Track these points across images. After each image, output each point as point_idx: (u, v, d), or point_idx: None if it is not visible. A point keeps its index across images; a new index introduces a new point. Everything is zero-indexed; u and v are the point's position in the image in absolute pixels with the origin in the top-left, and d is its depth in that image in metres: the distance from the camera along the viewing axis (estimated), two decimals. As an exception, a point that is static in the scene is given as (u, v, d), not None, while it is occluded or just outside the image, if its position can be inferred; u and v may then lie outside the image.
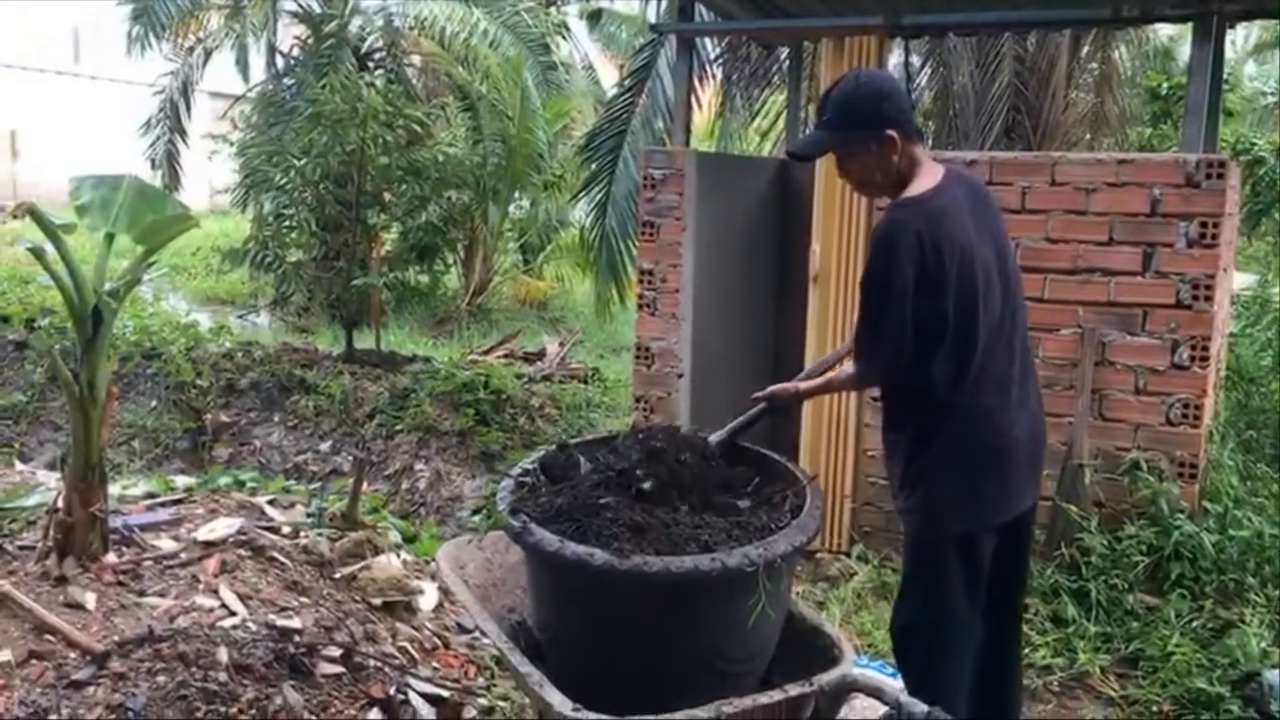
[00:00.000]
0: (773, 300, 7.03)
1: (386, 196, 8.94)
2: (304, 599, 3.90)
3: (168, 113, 14.93)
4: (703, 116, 12.13)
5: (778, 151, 10.85)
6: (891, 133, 2.90)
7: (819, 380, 3.40)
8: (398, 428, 7.64)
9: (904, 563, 3.21)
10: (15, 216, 3.90)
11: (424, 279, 9.88)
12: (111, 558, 3.90)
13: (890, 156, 2.93)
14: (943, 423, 2.99)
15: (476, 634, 4.37)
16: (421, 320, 14.60)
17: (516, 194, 15.31)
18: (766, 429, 6.91)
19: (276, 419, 7.88)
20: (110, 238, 3.85)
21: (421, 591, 4.30)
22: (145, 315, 9.97)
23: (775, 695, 2.71)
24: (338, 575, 4.14)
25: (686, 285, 5.80)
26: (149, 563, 3.93)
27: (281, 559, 4.08)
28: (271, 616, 3.69)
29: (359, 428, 7.71)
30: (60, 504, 3.88)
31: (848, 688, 2.78)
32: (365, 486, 7.56)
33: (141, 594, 3.71)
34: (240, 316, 14.93)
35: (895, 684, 2.71)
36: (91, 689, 3.16)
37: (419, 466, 7.35)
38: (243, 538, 4.16)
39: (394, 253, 9.07)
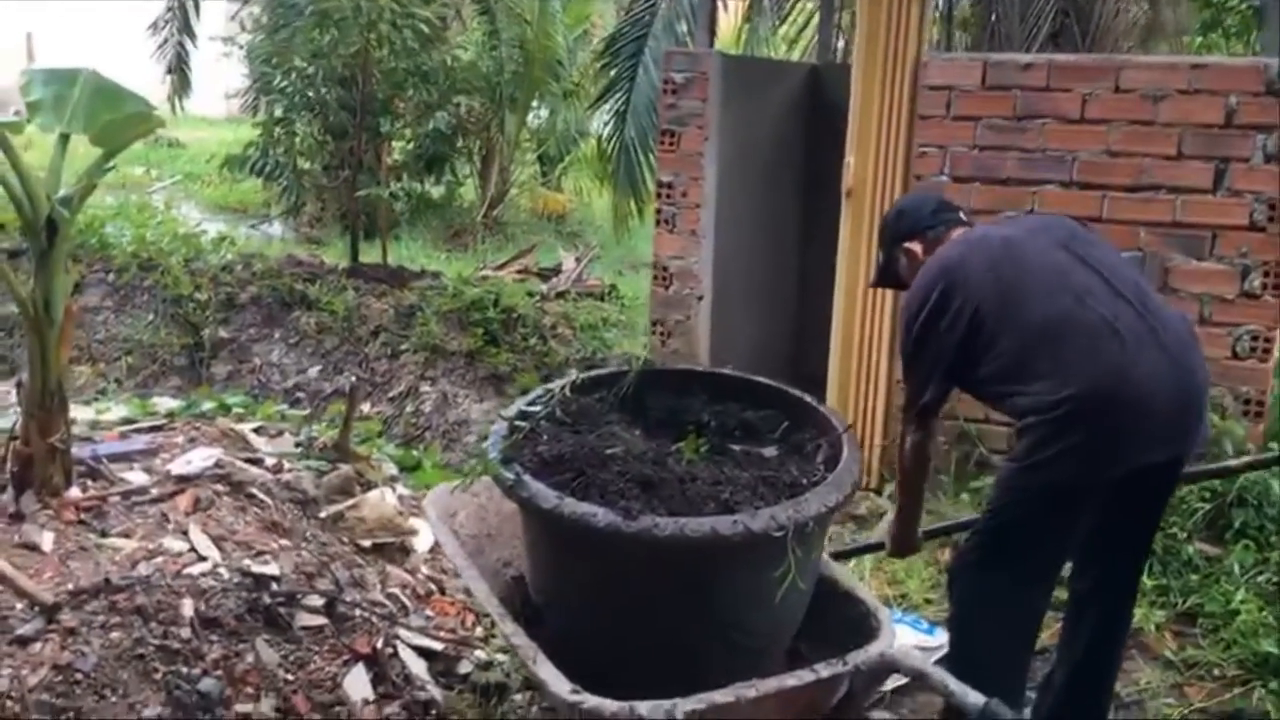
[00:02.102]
0: (800, 218, 6.59)
1: (396, 103, 8.46)
2: (284, 541, 3.56)
3: (176, 13, 14.31)
4: (728, 20, 11.52)
5: (808, 59, 10.26)
6: (909, 245, 3.16)
7: (902, 500, 3.26)
8: (403, 347, 7.27)
9: (987, 501, 2.91)
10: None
11: (437, 190, 9.41)
12: (74, 492, 3.57)
13: (917, 262, 3.10)
14: (1039, 386, 2.67)
15: (476, 576, 4.05)
16: (436, 233, 14.14)
17: (534, 103, 14.74)
18: (787, 359, 6.53)
19: (277, 336, 7.52)
20: (65, 139, 3.44)
21: (415, 532, 3.96)
22: (150, 224, 9.59)
23: (804, 676, 2.36)
24: (323, 514, 3.80)
25: (708, 200, 5.37)
26: (115, 499, 3.59)
27: (261, 496, 3.74)
28: (247, 561, 3.35)
29: (362, 346, 7.35)
30: (17, 435, 3.55)
31: (887, 668, 2.42)
32: (367, 409, 7.24)
33: (104, 534, 3.38)
34: (253, 226, 14.50)
35: (945, 675, 2.34)
36: (38, 645, 2.83)
37: (425, 388, 7.00)
38: (220, 471, 3.81)
39: (403, 162, 8.60)
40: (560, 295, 9.42)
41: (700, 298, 5.44)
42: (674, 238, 5.41)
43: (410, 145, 8.83)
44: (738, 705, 2.25)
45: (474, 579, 2.65)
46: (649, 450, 2.52)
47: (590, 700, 2.21)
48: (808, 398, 2.86)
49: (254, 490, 3.74)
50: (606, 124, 10.28)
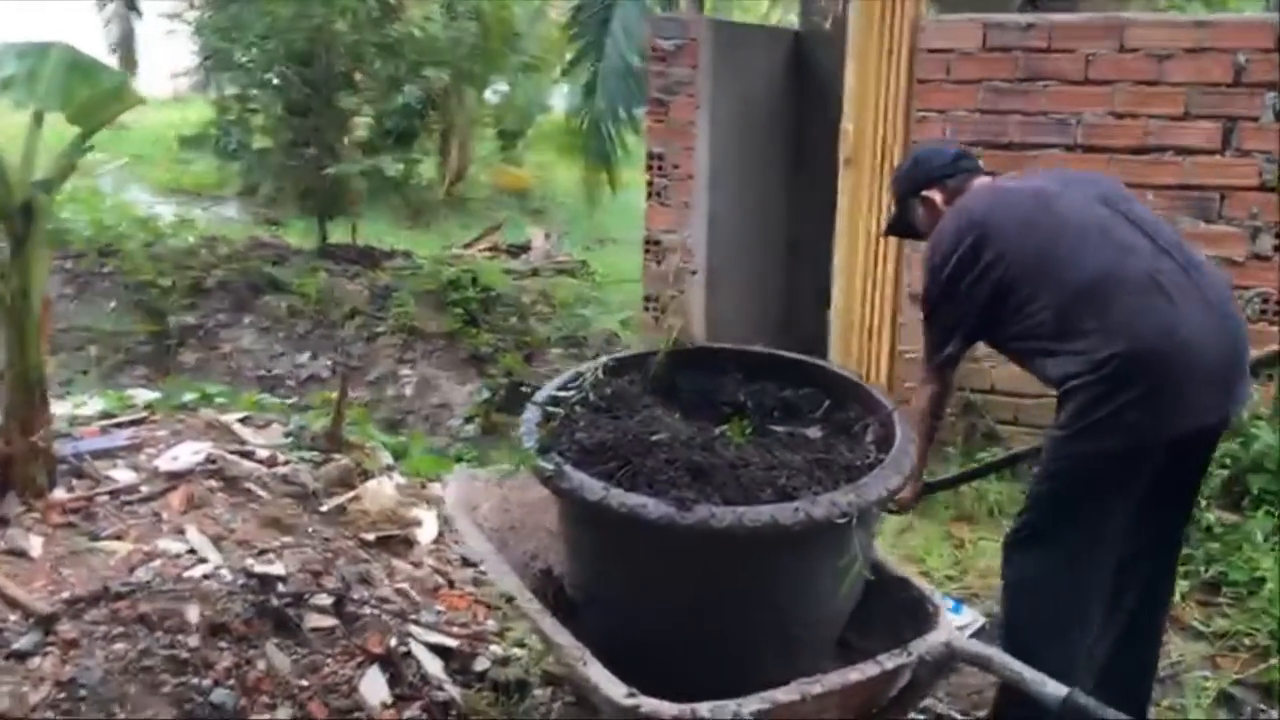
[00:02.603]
0: (786, 185, 6.46)
1: (357, 77, 8.20)
2: (286, 538, 3.38)
3: (119, -10, 13.92)
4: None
5: (786, 21, 10.09)
6: (928, 193, 3.02)
7: (916, 450, 2.99)
8: (379, 329, 7.09)
9: (1037, 472, 2.76)
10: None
11: (400, 167, 9.19)
12: (60, 493, 3.37)
13: (935, 212, 2.99)
14: (1083, 344, 2.52)
15: (484, 569, 3.89)
16: (396, 211, 13.86)
17: (492, 76, 14.48)
18: (778, 327, 6.41)
19: (247, 321, 7.29)
20: (39, 117, 3.22)
21: (419, 523, 3.80)
22: (102, 209, 9.27)
23: (869, 670, 2.23)
24: (324, 508, 3.62)
25: (700, 171, 5.23)
26: (104, 498, 3.39)
27: (258, 490, 3.55)
28: (249, 561, 3.17)
29: (336, 330, 7.14)
30: (-3, 432, 3.34)
31: (952, 657, 2.30)
32: (347, 396, 7.04)
33: (95, 537, 3.19)
34: (206, 208, 14.15)
35: (1017, 663, 2.22)
36: (37, 660, 2.65)
37: (404, 372, 6.82)
38: (212, 466, 3.62)
39: (368, 138, 8.36)
40: (534, 272, 9.26)
41: (694, 272, 5.30)
42: (666, 210, 5.27)
43: (376, 121, 8.55)
44: (802, 703, 2.12)
45: (506, 576, 2.50)
46: (695, 435, 2.38)
47: (647, 703, 2.08)
48: (850, 374, 2.74)
49: (250, 485, 3.56)
50: (576, 96, 10.09)
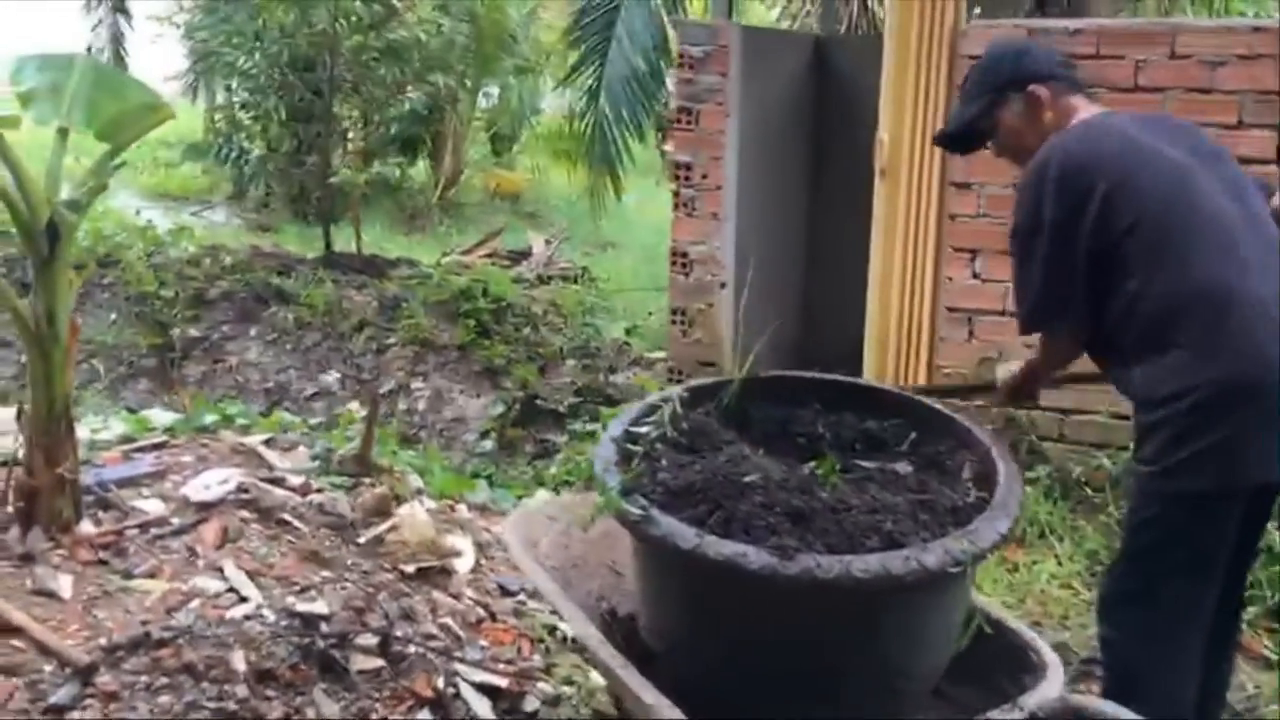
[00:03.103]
0: (806, 196, 6.33)
1: (359, 83, 8.03)
2: (326, 572, 3.21)
3: (108, -8, 13.69)
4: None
5: (798, 25, 9.95)
6: (1035, 88, 2.63)
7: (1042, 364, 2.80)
8: (389, 341, 6.92)
9: (1126, 520, 2.60)
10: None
11: (394, 172, 9.02)
12: (87, 527, 3.19)
13: (1039, 115, 2.63)
14: (1180, 359, 2.34)
15: (522, 598, 3.74)
16: (391, 216, 13.68)
17: (485, 80, 14.32)
18: (793, 345, 6.28)
19: (253, 333, 7.11)
20: (64, 133, 3.05)
21: (458, 553, 3.63)
22: (96, 217, 9.06)
23: (982, 727, 2.08)
24: (361, 539, 3.45)
25: (729, 181, 5.09)
26: (133, 531, 3.22)
27: (294, 521, 3.38)
28: (291, 599, 3.01)
29: (345, 342, 6.97)
30: (21, 462, 3.17)
31: (1069, 713, 2.16)
32: (354, 409, 6.87)
33: (128, 575, 3.01)
34: (195, 213, 13.92)
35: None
36: (76, 715, 2.48)
37: (416, 385, 6.65)
38: (244, 496, 3.45)
39: (371, 145, 8.19)
40: (542, 280, 9.10)
41: (723, 284, 5.16)
42: (694, 221, 5.13)
43: (379, 128, 8.37)
44: (914, 763, 1.98)
45: (580, 623, 2.36)
46: (789, 475, 2.23)
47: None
48: (940, 406, 2.59)
49: (285, 515, 3.39)
50: (580, 100, 9.95)
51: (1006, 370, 2.87)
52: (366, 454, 4.04)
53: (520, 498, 5.52)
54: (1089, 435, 4.55)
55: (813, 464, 2.33)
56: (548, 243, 11.62)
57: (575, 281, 10.22)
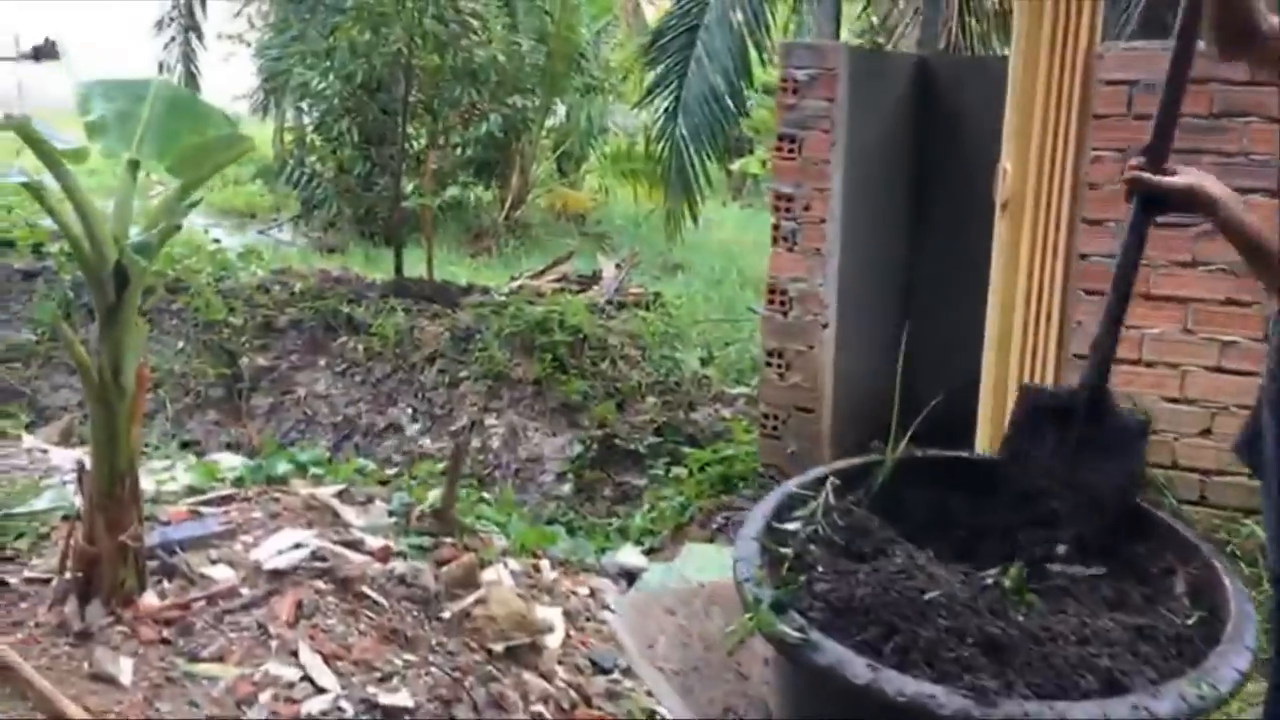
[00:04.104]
0: (905, 230, 5.94)
1: (438, 105, 7.78)
2: (409, 655, 2.91)
3: (181, 10, 13.61)
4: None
5: (893, 45, 9.54)
6: None
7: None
8: (462, 374, 6.64)
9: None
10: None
11: (474, 194, 8.76)
12: (150, 599, 2.92)
13: None
14: None
15: (616, 675, 3.41)
16: (455, 238, 13.47)
17: (554, 99, 14.08)
18: (887, 394, 5.90)
19: (322, 363, 6.88)
20: (135, 166, 2.78)
21: (550, 628, 3.31)
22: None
23: None
24: (446, 614, 3.14)
25: (834, 214, 4.74)
26: (200, 604, 2.94)
27: (373, 595, 3.09)
28: (372, 689, 2.71)
29: (416, 374, 6.71)
30: (79, 526, 2.90)
31: None
32: (427, 445, 6.60)
33: (194, 658, 2.73)
34: (261, 231, 13.80)
35: None
36: (134, 832, 2.19)
37: (490, 421, 6.36)
38: (320, 564, 3.16)
39: (445, 168, 7.93)
40: (619, 306, 8.78)
41: (825, 325, 4.80)
42: (794, 257, 4.78)
43: (452, 150, 8.11)
44: None
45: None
46: (976, 592, 1.87)
47: None
48: (1141, 500, 2.21)
49: (364, 588, 3.09)
50: (656, 121, 9.64)
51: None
52: (449, 512, 3.73)
53: (602, 550, 5.20)
54: (1233, 499, 4.13)
55: (994, 572, 1.97)
56: (618, 267, 11.30)
57: (647, 308, 9.90)
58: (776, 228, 4.81)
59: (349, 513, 3.71)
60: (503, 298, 7.52)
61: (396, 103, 7.55)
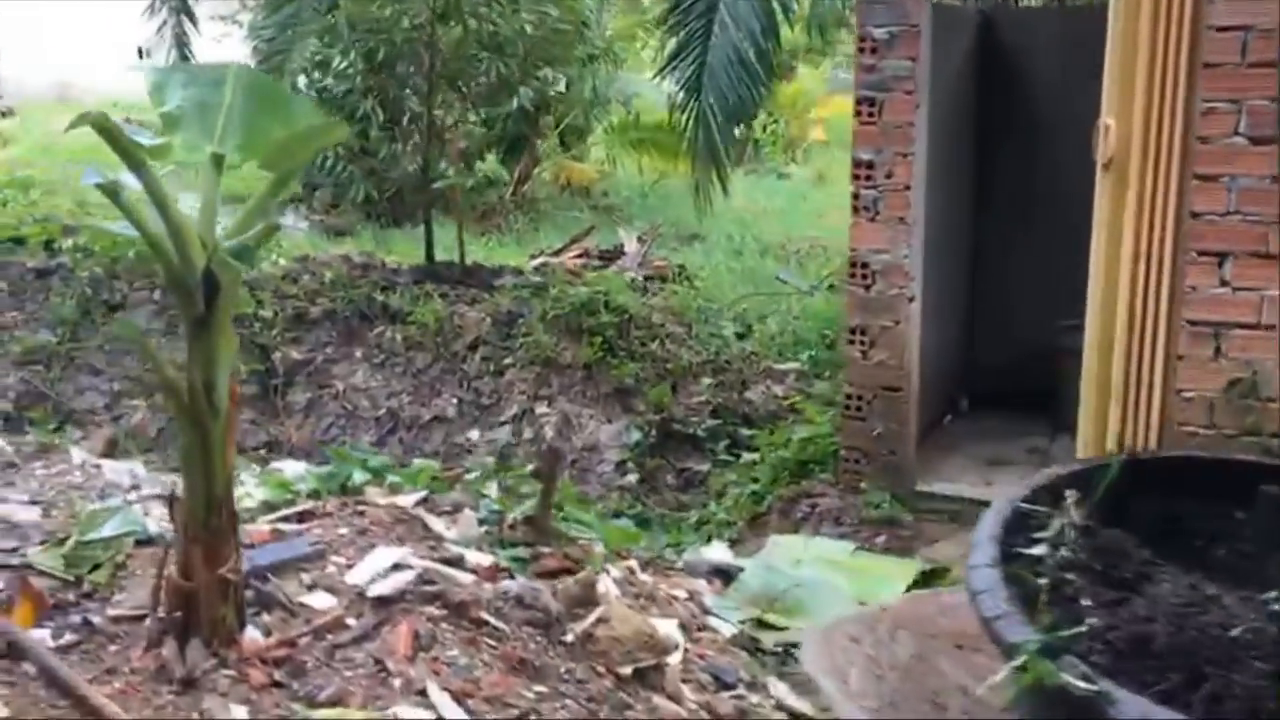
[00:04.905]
0: (972, 193, 5.69)
1: (460, 78, 7.45)
2: (539, 687, 2.67)
3: (172, -9, 13.14)
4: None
5: None
6: None
7: None
8: (507, 361, 6.37)
9: None
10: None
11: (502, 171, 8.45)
12: (254, 636, 2.67)
13: None
14: None
15: (740, 690, 3.16)
16: (463, 215, 13.12)
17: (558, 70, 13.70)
18: (959, 363, 5.63)
19: (358, 354, 6.60)
20: (219, 161, 2.50)
21: (675, 645, 3.06)
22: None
23: None
24: (568, 637, 2.89)
25: (918, 180, 4.47)
26: (307, 639, 2.68)
27: (491, 620, 2.83)
28: (510, 729, 2.46)
29: (459, 363, 6.43)
30: (171, 556, 2.64)
31: None
32: (475, 438, 6.32)
33: (313, 702, 2.48)
34: (264, 217, 13.42)
35: None
36: None
37: (540, 409, 6.10)
38: (429, 588, 2.90)
39: (472, 145, 7.61)
40: (648, 280, 8.49)
41: (911, 299, 4.54)
42: (876, 227, 4.51)
43: (478, 126, 7.77)
44: None
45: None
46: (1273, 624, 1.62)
47: None
48: None
49: (481, 613, 2.83)
50: (678, 90, 9.32)
51: None
52: (545, 520, 3.49)
53: (677, 545, 4.95)
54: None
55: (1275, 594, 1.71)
56: (640, 240, 11.01)
57: (673, 280, 9.62)
58: (856, 197, 4.53)
59: (438, 524, 3.46)
60: (538, 279, 7.23)
61: (418, 78, 7.22)
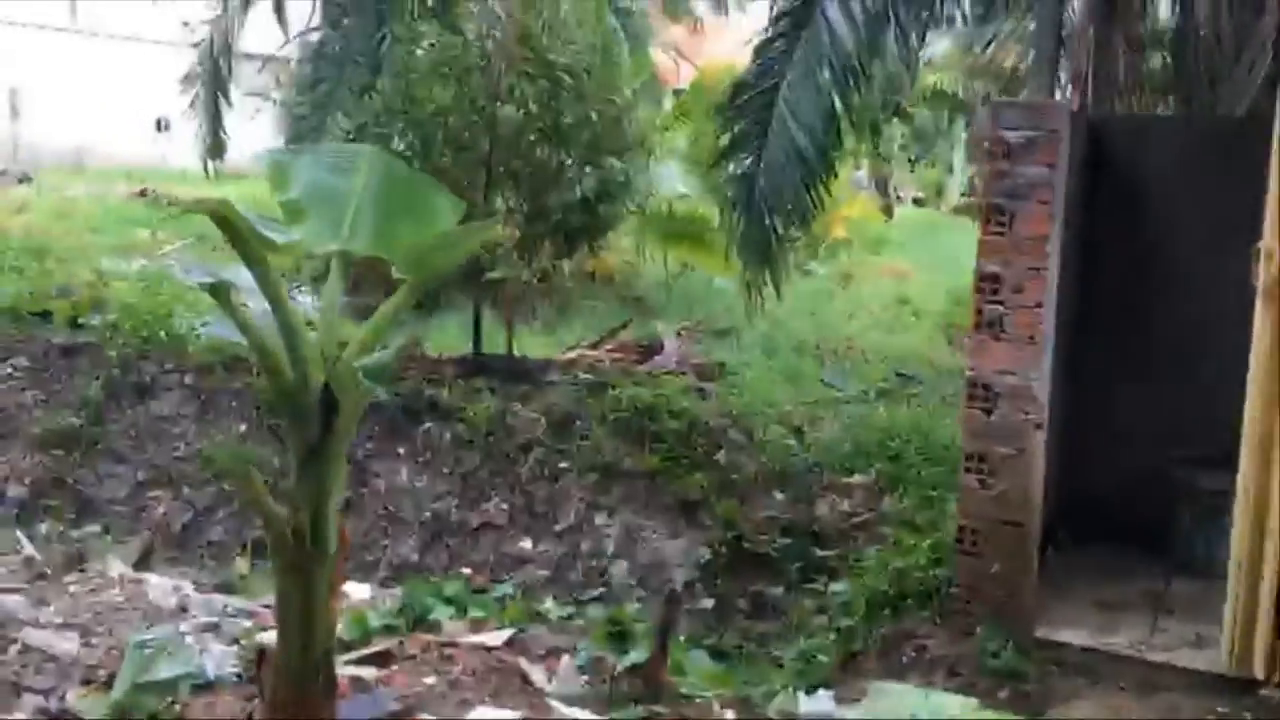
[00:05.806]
0: (1076, 310, 5.32)
1: (519, 167, 7.14)
2: None
3: (206, 68, 13.00)
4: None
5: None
6: None
7: None
8: (562, 465, 5.94)
9: None
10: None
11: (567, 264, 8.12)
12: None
13: None
14: None
15: None
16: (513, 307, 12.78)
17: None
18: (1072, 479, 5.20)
19: (402, 451, 6.19)
20: (346, 260, 2.12)
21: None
22: (208, 308, 8.19)
23: None
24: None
25: (1049, 297, 4.10)
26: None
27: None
28: None
29: (511, 466, 6.01)
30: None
31: None
32: (528, 547, 5.87)
33: None
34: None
35: None
36: None
37: (600, 520, 5.67)
38: (549, 766, 2.45)
39: (531, 236, 7.27)
40: (699, 379, 8.09)
41: (1039, 426, 4.14)
42: (1004, 346, 4.13)
43: (532, 215, 7.40)
44: None
45: None
46: None
47: None
48: None
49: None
50: (730, 185, 9.02)
51: None
52: (658, 674, 3.05)
53: (765, 687, 4.47)
54: None
55: None
56: (679, 335, 10.67)
57: (716, 379, 9.23)
58: (980, 313, 4.16)
59: (537, 674, 3.02)
60: (590, 377, 6.84)
61: (473, 163, 6.91)
